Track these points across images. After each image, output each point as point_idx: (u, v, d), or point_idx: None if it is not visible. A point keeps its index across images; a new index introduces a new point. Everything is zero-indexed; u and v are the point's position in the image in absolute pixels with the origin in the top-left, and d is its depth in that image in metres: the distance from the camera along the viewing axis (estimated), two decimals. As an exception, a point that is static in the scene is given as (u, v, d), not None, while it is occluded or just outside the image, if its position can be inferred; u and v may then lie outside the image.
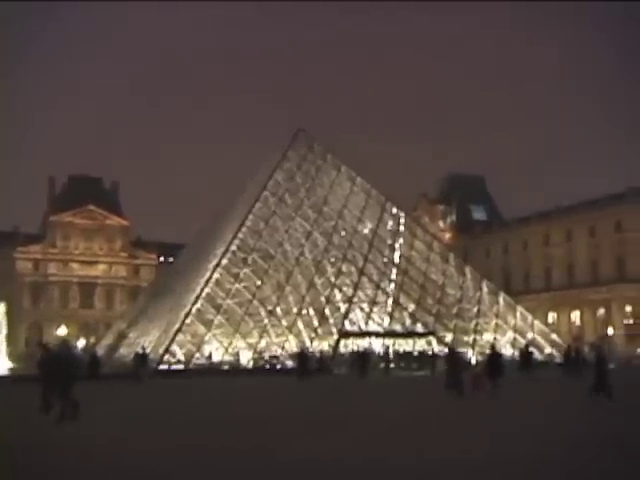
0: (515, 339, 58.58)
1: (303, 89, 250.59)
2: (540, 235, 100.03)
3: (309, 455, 12.24)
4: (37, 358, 18.92)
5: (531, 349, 50.96)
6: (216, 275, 55.27)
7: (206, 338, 52.64)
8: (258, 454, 12.36)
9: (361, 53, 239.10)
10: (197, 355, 51.79)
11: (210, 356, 53.17)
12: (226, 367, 51.83)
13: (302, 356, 45.23)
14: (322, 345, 54.44)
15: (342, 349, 54.78)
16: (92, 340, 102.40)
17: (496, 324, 59.73)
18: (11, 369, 57.03)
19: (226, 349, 53.01)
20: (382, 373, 49.06)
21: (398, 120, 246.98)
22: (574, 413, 19.77)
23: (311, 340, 53.62)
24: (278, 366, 51.85)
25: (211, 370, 49.57)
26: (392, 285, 59.95)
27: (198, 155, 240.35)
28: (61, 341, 20.43)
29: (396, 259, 62.28)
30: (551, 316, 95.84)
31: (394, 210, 66.19)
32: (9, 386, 35.15)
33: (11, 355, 70.18)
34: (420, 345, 56.84)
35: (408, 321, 57.71)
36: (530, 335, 60.03)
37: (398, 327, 57.40)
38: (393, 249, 62.97)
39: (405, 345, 57.00)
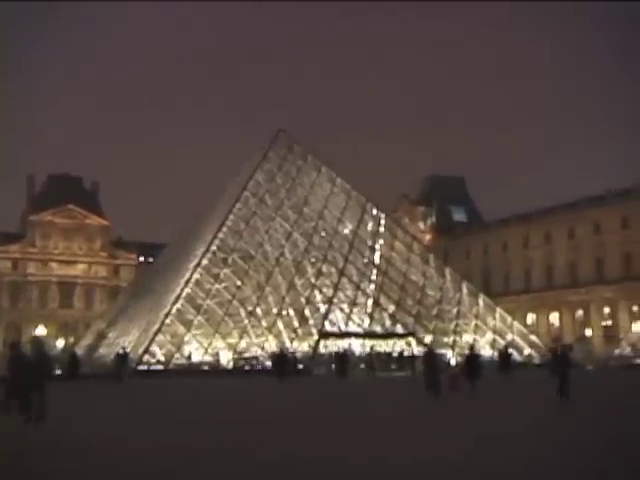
0: (494, 340, 58.85)
1: (284, 90, 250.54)
2: (520, 237, 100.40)
3: (288, 455, 12.27)
4: (7, 358, 18.74)
5: (510, 350, 51.30)
6: (196, 275, 55.25)
7: (186, 338, 52.61)
8: (236, 454, 12.37)
9: (339, 53, 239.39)
10: (177, 355, 51.74)
11: (190, 356, 53.10)
12: (206, 367, 51.78)
13: (282, 357, 45.25)
14: (302, 346, 54.51)
15: (322, 350, 54.84)
16: (71, 340, 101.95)
17: (476, 325, 59.99)
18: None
19: (206, 349, 52.97)
20: (364, 373, 49.25)
21: (378, 121, 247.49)
22: (545, 414, 19.89)
23: (291, 341, 53.68)
24: (258, 367, 51.84)
25: (191, 370, 49.51)
26: (372, 286, 60.12)
27: (179, 156, 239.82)
28: (32, 340, 19.92)
29: (376, 260, 62.41)
30: (530, 317, 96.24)
31: (374, 211, 66.31)
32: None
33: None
34: (400, 346, 56.98)
35: (388, 322, 57.87)
36: (509, 336, 60.33)
37: (378, 328, 57.56)
38: (373, 250, 63.10)
39: (385, 346, 57.12)
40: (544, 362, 48.80)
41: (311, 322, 55.54)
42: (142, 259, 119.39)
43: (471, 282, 67.97)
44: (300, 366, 50.38)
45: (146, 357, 50.12)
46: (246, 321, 54.20)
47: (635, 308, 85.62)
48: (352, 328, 56.77)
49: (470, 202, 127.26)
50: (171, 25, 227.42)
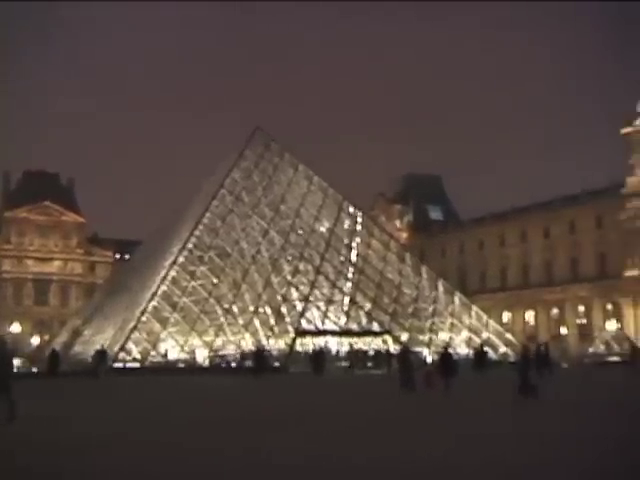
0: (470, 338, 59.07)
1: (261, 89, 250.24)
2: (496, 235, 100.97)
3: (260, 452, 12.31)
4: None
5: (486, 348, 51.62)
6: (172, 273, 55.15)
7: (162, 336, 52.52)
8: (207, 453, 12.38)
9: (318, 53, 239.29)
10: (153, 353, 51.62)
11: (166, 354, 52.99)
12: (182, 365, 51.71)
13: (258, 354, 45.30)
14: (278, 343, 54.49)
15: (298, 347, 54.82)
16: (46, 338, 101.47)
17: (451, 323, 60.17)
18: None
19: (182, 347, 52.89)
20: (343, 371, 49.39)
21: (356, 119, 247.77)
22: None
23: (267, 338, 53.65)
24: (234, 364, 51.82)
25: (167, 368, 49.40)
26: (349, 284, 60.16)
27: (156, 154, 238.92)
28: None
29: (353, 258, 62.45)
30: (506, 316, 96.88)
31: (351, 209, 66.30)
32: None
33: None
34: (376, 344, 57.07)
35: (364, 320, 57.91)
36: (485, 334, 60.57)
37: (354, 326, 57.60)
38: (350, 248, 63.12)
39: (361, 344, 57.18)
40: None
41: (287, 320, 55.50)
42: (118, 256, 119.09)
43: (447, 280, 68.22)
44: (276, 364, 50.42)
45: (122, 354, 49.98)
46: (222, 319, 54.13)
47: (609, 307, 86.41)
48: (328, 326, 56.76)
49: (447, 201, 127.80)
50: (140, 24, 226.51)
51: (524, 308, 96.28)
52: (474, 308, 63.13)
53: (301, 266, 58.84)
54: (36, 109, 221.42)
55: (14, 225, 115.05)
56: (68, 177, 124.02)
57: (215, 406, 22.88)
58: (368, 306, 58.39)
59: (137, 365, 49.94)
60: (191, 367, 50.73)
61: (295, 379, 42.03)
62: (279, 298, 56.47)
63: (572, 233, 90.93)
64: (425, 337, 57.85)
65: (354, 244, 63.80)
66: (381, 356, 53.46)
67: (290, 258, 59.45)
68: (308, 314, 56.45)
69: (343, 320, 57.39)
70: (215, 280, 55.94)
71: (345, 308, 58.13)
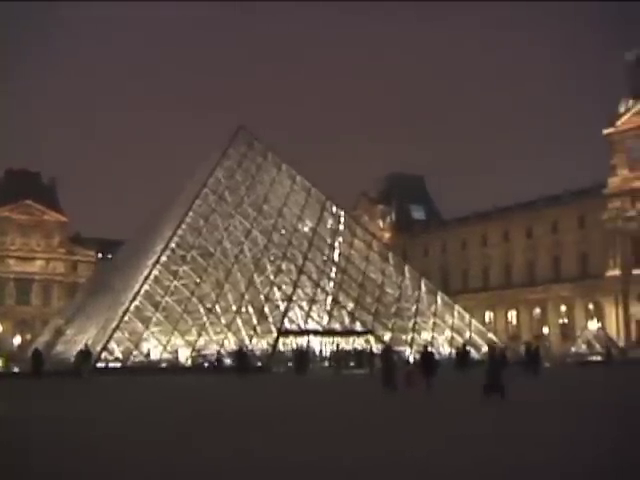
0: (453, 338, 59.22)
1: (245, 89, 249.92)
2: (478, 235, 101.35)
3: (243, 453, 12.32)
4: None
5: (468, 348, 51.84)
6: (155, 272, 55.03)
7: (144, 336, 52.41)
8: (189, 452, 12.40)
9: (302, 53, 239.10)
10: (135, 353, 51.51)
11: (148, 354, 52.88)
12: (164, 365, 51.63)
13: (241, 354, 45.31)
14: (261, 343, 54.48)
15: (281, 347, 54.86)
16: (28, 337, 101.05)
17: (434, 323, 60.29)
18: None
19: (164, 347, 52.81)
20: (325, 371, 49.48)
21: (337, 119, 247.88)
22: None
23: (250, 338, 53.61)
24: (216, 364, 51.77)
25: (149, 368, 49.29)
26: (331, 284, 60.22)
27: (140, 154, 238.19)
28: None
29: (336, 258, 62.49)
30: (488, 315, 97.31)
31: (334, 209, 66.32)
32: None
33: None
34: (359, 344, 57.15)
35: (347, 320, 57.96)
36: (467, 334, 60.74)
37: (337, 326, 57.68)
38: (333, 248, 63.16)
39: (344, 343, 57.24)
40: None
41: (270, 320, 55.45)
42: (100, 256, 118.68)
43: (430, 280, 68.35)
44: (259, 364, 50.44)
45: (104, 354, 49.85)
46: (205, 318, 54.09)
47: (591, 306, 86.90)
48: (311, 326, 56.79)
49: (429, 201, 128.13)
50: (125, 23, 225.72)
51: (506, 308, 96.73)
52: (457, 308, 63.30)
53: (284, 266, 58.83)
54: (19, 108, 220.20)
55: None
56: (50, 176, 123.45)
57: (198, 406, 22.83)
58: (351, 306, 58.44)
59: (119, 365, 49.83)
60: (174, 367, 50.66)
61: (278, 379, 42.06)
62: (262, 298, 56.44)
63: (554, 233, 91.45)
64: (408, 337, 57.93)
65: (337, 244, 63.85)
66: (364, 356, 53.49)
67: (273, 258, 59.44)
68: (291, 314, 56.46)
69: (326, 320, 57.44)
70: (198, 280, 55.88)
71: (328, 308, 58.16)
